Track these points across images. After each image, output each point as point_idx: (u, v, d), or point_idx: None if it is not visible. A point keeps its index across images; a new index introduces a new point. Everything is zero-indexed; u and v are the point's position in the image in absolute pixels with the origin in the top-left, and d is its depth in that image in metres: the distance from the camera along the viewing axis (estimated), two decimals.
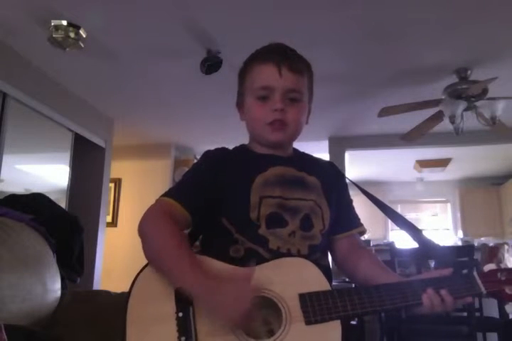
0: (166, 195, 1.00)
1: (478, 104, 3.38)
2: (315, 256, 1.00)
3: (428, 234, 1.04)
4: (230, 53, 3.02)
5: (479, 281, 0.90)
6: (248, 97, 1.08)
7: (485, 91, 3.25)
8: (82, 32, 2.73)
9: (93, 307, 1.52)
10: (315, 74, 1.12)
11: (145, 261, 0.93)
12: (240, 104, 1.13)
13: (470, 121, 3.49)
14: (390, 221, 1.21)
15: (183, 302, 0.86)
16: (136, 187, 5.27)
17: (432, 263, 3.15)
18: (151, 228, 0.94)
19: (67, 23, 2.68)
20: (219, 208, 1.01)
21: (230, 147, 1.14)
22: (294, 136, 1.09)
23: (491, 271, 0.91)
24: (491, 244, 4.18)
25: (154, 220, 0.95)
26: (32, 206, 1.71)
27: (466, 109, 3.34)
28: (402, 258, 2.87)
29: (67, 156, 3.81)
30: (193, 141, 5.36)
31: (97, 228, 4.19)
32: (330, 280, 0.96)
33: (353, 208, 1.15)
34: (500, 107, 3.28)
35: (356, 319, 2.88)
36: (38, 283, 1.39)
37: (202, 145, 5.36)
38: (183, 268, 0.86)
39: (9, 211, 1.56)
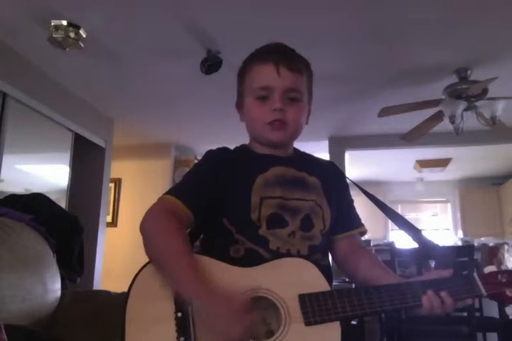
0: (168, 193, 1.00)
1: (478, 104, 3.37)
2: (315, 256, 1.00)
3: (428, 234, 1.04)
4: (230, 53, 3.01)
5: (479, 283, 0.89)
6: (247, 97, 1.07)
7: (485, 91, 3.25)
8: (82, 32, 2.73)
9: (93, 307, 1.52)
10: (315, 74, 1.12)
11: (145, 261, 0.93)
12: (240, 105, 1.12)
13: (470, 121, 3.49)
14: (390, 221, 1.21)
15: (182, 302, 0.85)
16: (136, 187, 5.27)
17: (433, 264, 3.15)
18: (153, 226, 0.94)
19: (67, 23, 2.68)
20: (220, 208, 1.01)
21: (231, 147, 1.14)
22: (294, 136, 1.08)
23: (491, 273, 0.91)
24: (491, 244, 4.17)
25: (157, 218, 0.94)
26: (32, 206, 1.71)
27: (466, 109, 3.34)
28: (402, 258, 2.87)
29: (67, 156, 3.81)
30: (193, 141, 5.36)
31: (97, 228, 4.19)
32: (330, 281, 0.95)
33: (353, 208, 1.15)
34: (500, 107, 3.28)
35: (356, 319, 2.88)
36: (38, 283, 1.39)
37: (202, 145, 5.36)
38: (183, 271, 0.86)
39: (9, 211, 1.56)
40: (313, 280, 0.90)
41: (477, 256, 3.36)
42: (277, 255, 0.95)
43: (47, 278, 1.44)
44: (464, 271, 2.48)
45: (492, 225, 6.90)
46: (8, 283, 1.27)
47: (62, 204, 3.68)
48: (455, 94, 3.34)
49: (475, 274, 0.91)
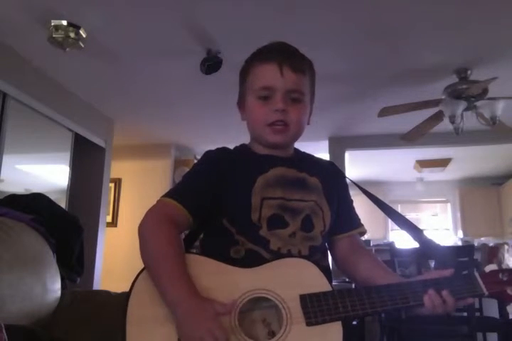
0: (166, 195, 0.99)
1: (478, 104, 3.37)
2: (315, 257, 0.99)
3: (428, 234, 1.04)
4: (230, 53, 3.01)
5: (481, 282, 0.89)
6: (249, 97, 1.06)
7: (485, 91, 3.25)
8: (82, 32, 2.73)
9: (93, 307, 1.52)
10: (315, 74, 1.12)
11: None
12: (241, 104, 1.11)
13: (470, 121, 3.49)
14: (390, 221, 1.21)
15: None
16: (136, 187, 5.27)
17: (432, 264, 3.15)
18: (149, 232, 0.93)
19: (67, 23, 2.68)
20: (220, 209, 1.00)
21: (231, 147, 1.13)
22: (296, 137, 1.08)
23: (492, 272, 0.90)
24: (491, 244, 4.17)
25: (154, 223, 0.94)
26: (32, 206, 1.71)
27: (466, 109, 3.34)
28: (402, 258, 2.86)
29: (67, 156, 3.81)
30: (193, 141, 5.37)
31: (97, 228, 4.19)
32: (330, 281, 0.95)
33: (353, 208, 1.14)
34: (500, 107, 3.28)
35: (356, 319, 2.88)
36: (37, 283, 1.39)
37: (202, 145, 5.36)
38: (172, 280, 0.85)
39: (9, 211, 1.56)
40: (315, 281, 0.90)
41: (477, 256, 3.36)
42: (278, 255, 0.94)
43: (47, 278, 1.43)
44: (464, 271, 2.47)
45: (492, 225, 6.90)
46: (8, 283, 1.27)
47: (62, 204, 3.68)
48: (455, 94, 3.34)
49: (476, 273, 0.91)
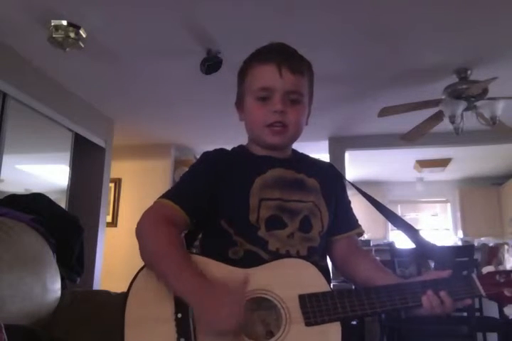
0: (164, 196, 0.99)
1: (478, 104, 3.37)
2: (314, 257, 1.00)
3: (427, 234, 1.04)
4: (230, 53, 3.01)
5: (478, 283, 0.89)
6: (248, 97, 1.06)
7: (485, 91, 3.25)
8: (82, 32, 2.73)
9: (93, 307, 1.52)
10: (315, 75, 1.11)
11: None
12: (239, 104, 1.11)
13: (470, 121, 3.49)
14: None
15: (182, 303, 0.85)
16: (136, 187, 5.27)
17: (432, 264, 3.15)
18: (148, 232, 0.93)
19: (67, 23, 2.68)
20: (218, 210, 1.00)
21: (230, 147, 1.14)
22: (294, 138, 1.08)
23: (489, 273, 0.91)
24: (491, 244, 4.17)
25: (152, 224, 0.94)
26: (32, 206, 1.71)
27: (466, 109, 3.34)
28: (402, 258, 2.87)
29: (67, 156, 3.81)
30: (193, 141, 5.37)
31: (97, 228, 4.19)
32: (328, 282, 0.95)
33: (351, 209, 1.15)
34: (500, 107, 3.28)
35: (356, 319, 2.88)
36: (37, 283, 1.39)
37: (202, 145, 5.37)
38: (178, 275, 0.85)
39: (9, 211, 1.56)
40: (313, 281, 0.90)
41: (477, 256, 3.35)
42: (277, 256, 0.94)
43: (47, 278, 1.44)
44: (463, 271, 2.47)
45: (492, 225, 6.90)
46: (8, 283, 1.27)
47: (62, 204, 3.68)
48: (455, 94, 3.34)
49: (473, 275, 0.91)
